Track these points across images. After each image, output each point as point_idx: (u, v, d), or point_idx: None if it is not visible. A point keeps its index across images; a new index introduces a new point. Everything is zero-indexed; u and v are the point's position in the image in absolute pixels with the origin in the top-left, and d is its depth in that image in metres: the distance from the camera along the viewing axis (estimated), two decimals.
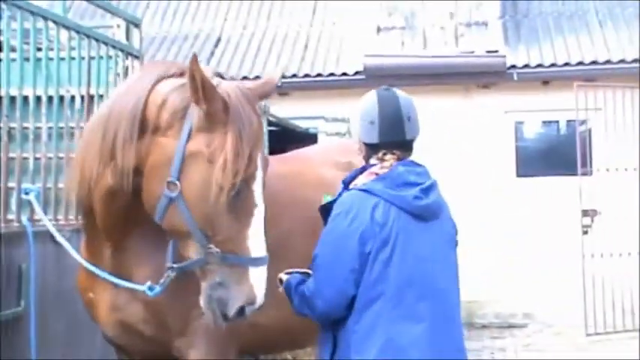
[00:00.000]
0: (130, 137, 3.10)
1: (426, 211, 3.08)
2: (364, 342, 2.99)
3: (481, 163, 10.84)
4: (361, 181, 3.17)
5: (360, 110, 3.20)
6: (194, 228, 2.97)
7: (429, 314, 3.00)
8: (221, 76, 3.18)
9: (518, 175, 11.07)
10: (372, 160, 3.19)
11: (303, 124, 10.67)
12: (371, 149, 3.18)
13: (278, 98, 10.81)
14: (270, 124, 8.86)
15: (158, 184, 3.05)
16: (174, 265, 3.13)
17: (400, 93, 3.21)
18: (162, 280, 3.17)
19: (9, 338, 4.01)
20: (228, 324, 3.02)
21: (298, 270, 3.27)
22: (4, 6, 4.30)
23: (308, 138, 10.57)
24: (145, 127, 3.10)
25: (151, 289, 3.19)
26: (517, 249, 10.57)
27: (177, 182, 2.99)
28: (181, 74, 3.11)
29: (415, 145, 3.23)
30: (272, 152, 8.27)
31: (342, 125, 11.07)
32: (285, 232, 3.70)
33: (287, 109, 10.51)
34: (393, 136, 3.14)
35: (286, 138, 9.95)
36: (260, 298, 2.99)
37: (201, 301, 2.99)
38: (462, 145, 10.64)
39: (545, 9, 11.84)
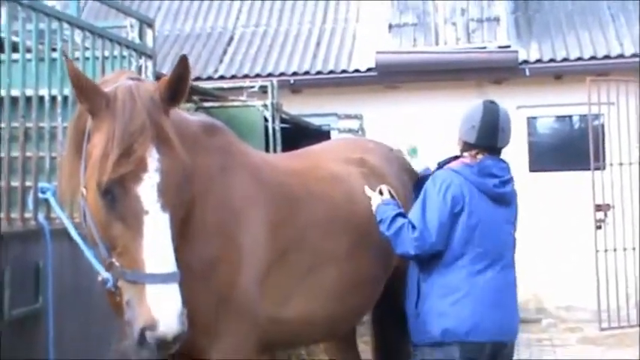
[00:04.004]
0: (75, 152, 3.03)
1: (502, 197, 3.87)
2: (451, 293, 3.71)
3: None
4: (454, 165, 3.92)
5: (467, 114, 3.93)
6: (98, 237, 2.79)
7: (497, 274, 3.78)
8: (137, 79, 3.06)
9: (531, 170, 11.05)
10: (465, 155, 3.93)
11: (315, 122, 10.67)
12: (467, 146, 3.91)
13: (290, 95, 10.86)
14: (282, 121, 8.89)
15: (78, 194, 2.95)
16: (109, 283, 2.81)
17: (501, 107, 3.96)
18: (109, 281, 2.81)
19: (25, 335, 4.06)
20: (156, 353, 2.64)
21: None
22: (19, 8, 4.36)
23: (321, 135, 10.58)
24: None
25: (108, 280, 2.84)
26: (530, 244, 10.53)
27: (84, 189, 2.86)
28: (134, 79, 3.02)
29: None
30: (285, 149, 8.35)
31: (354, 122, 11.08)
32: (302, 226, 3.67)
33: (299, 107, 10.56)
34: (487, 142, 3.87)
35: (299, 135, 9.99)
36: (165, 322, 2.57)
37: None
38: None
39: (557, 4, 11.81)
